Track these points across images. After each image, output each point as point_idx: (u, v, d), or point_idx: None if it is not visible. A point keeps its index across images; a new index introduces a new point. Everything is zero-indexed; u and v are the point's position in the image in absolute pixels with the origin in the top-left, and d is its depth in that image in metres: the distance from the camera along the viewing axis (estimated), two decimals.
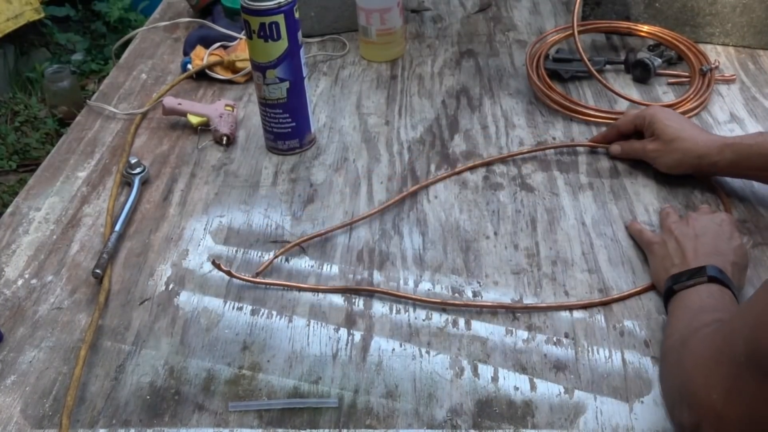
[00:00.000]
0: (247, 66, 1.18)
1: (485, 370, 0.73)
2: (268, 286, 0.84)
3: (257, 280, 0.84)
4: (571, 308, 0.79)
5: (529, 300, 0.80)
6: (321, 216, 0.94)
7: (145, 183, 1.01)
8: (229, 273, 0.84)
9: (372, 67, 1.25)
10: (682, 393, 0.58)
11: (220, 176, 1.02)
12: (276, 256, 0.87)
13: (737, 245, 0.79)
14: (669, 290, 0.74)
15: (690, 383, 0.57)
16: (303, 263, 0.87)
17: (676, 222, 0.84)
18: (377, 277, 0.85)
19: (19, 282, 0.87)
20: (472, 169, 1.00)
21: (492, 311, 0.80)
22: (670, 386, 0.64)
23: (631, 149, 0.98)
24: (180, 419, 0.71)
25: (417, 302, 0.81)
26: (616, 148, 1.00)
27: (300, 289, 0.83)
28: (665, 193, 0.94)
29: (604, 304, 0.80)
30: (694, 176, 0.95)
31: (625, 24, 1.26)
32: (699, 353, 0.58)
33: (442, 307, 0.80)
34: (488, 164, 1.01)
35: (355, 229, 0.92)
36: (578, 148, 1.03)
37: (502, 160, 1.01)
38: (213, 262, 0.84)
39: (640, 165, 0.98)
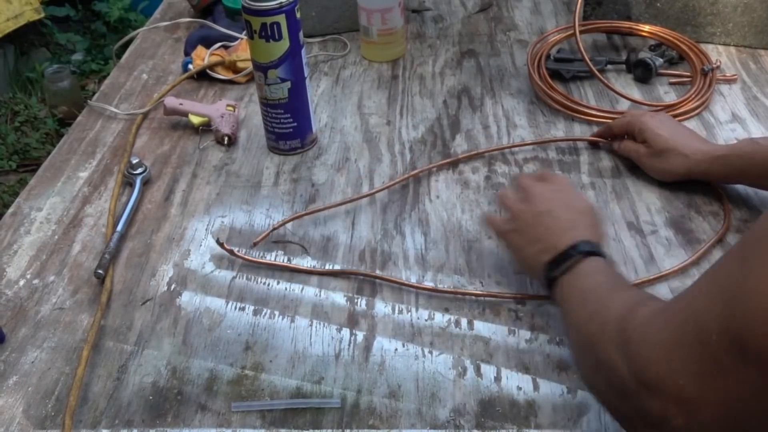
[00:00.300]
0: (249, 66, 1.18)
1: (488, 370, 0.73)
2: (269, 284, 0.84)
3: (259, 260, 0.86)
4: None
5: (532, 301, 0.80)
6: (323, 216, 0.94)
7: (146, 183, 1.01)
8: (231, 252, 0.86)
9: (373, 67, 1.25)
10: (641, 380, 0.51)
11: (221, 176, 1.02)
12: (274, 228, 0.90)
13: (585, 206, 0.78)
14: (549, 279, 0.71)
15: (650, 369, 0.50)
16: (305, 263, 0.87)
17: (519, 202, 0.79)
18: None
19: (21, 282, 0.87)
20: (467, 159, 1.00)
21: (495, 311, 0.79)
22: (611, 377, 0.54)
23: (625, 148, 0.98)
24: (182, 419, 0.71)
25: (419, 290, 0.82)
26: (615, 143, 1.00)
27: (298, 271, 0.85)
28: (667, 193, 0.94)
29: None
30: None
31: (626, 24, 1.26)
32: (654, 337, 0.51)
33: (445, 307, 0.80)
34: (469, 157, 1.01)
35: (356, 229, 0.92)
36: (580, 149, 1.03)
37: (492, 153, 1.01)
38: (217, 241, 0.86)
39: None
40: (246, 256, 0.86)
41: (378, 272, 0.85)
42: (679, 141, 0.92)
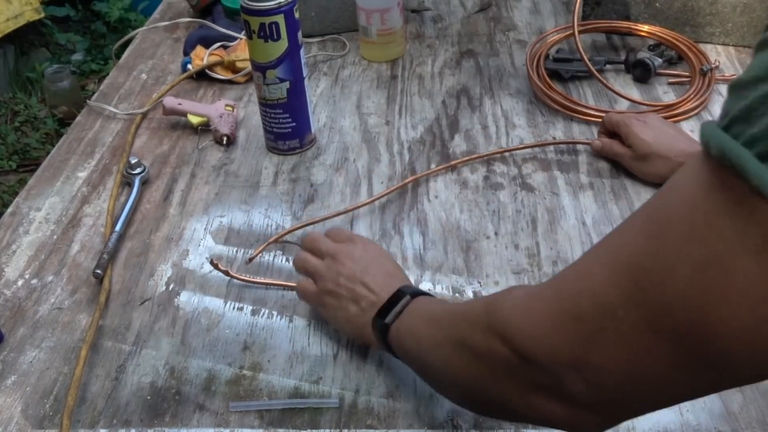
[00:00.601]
0: (248, 66, 1.18)
1: None
2: (268, 287, 0.84)
3: (256, 280, 0.85)
4: None
5: None
6: (321, 216, 0.94)
7: (145, 183, 1.01)
8: (227, 273, 0.84)
9: (372, 67, 1.25)
10: (528, 355, 0.49)
11: (220, 176, 1.02)
12: (268, 243, 0.88)
13: (393, 264, 0.76)
14: (383, 328, 0.67)
15: (541, 343, 0.48)
16: None
17: (324, 265, 0.76)
18: None
19: (20, 282, 0.87)
20: (465, 163, 1.00)
21: None
22: (494, 362, 0.52)
23: (611, 150, 0.99)
24: (181, 419, 0.71)
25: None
26: (597, 143, 1.00)
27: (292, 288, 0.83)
28: None
29: None
30: None
31: (625, 24, 1.26)
32: (542, 311, 0.49)
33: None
34: (460, 164, 1.01)
35: (355, 229, 0.92)
36: (579, 149, 1.03)
37: (482, 159, 1.01)
38: (211, 262, 0.84)
39: None
40: (241, 276, 0.84)
41: None
42: (663, 144, 0.93)
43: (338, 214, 0.93)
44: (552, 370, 0.48)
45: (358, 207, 0.94)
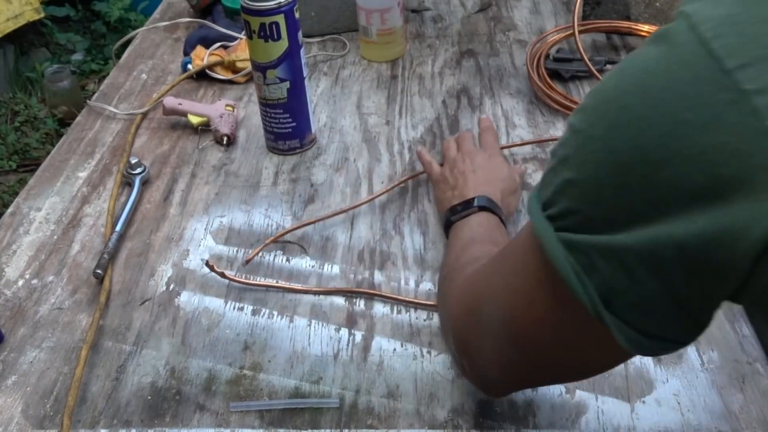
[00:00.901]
0: (248, 66, 1.18)
1: None
2: (268, 289, 0.84)
3: (252, 282, 0.84)
4: None
5: None
6: (320, 215, 0.94)
7: (145, 183, 1.01)
8: (222, 275, 0.84)
9: (372, 67, 1.25)
10: (451, 326, 0.62)
11: (220, 176, 1.02)
12: (265, 245, 0.88)
13: (506, 173, 0.88)
14: (448, 222, 0.82)
15: (455, 322, 0.61)
16: (304, 263, 0.87)
17: (456, 157, 0.90)
18: (378, 277, 0.85)
19: (20, 282, 0.87)
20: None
21: None
22: (441, 316, 0.68)
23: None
24: (181, 419, 0.71)
25: (418, 306, 0.81)
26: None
27: (294, 291, 0.83)
28: None
29: None
30: None
31: (625, 24, 1.26)
32: (456, 299, 0.61)
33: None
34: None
35: (355, 229, 0.92)
36: None
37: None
38: (207, 264, 0.84)
39: None
40: (236, 279, 0.84)
41: (378, 276, 0.85)
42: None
43: (337, 214, 0.93)
44: (458, 347, 0.61)
45: (358, 206, 0.94)
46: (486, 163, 0.89)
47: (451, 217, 0.81)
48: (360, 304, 0.81)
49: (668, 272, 0.40)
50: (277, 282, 0.85)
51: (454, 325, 0.61)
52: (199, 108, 1.11)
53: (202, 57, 1.23)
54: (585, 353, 0.50)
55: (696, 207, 0.37)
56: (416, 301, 0.81)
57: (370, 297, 0.82)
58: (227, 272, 0.85)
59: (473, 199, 0.81)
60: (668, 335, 0.44)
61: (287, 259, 0.88)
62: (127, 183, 1.00)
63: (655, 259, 0.40)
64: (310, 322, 0.80)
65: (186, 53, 1.26)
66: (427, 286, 0.83)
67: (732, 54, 0.36)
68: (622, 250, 0.41)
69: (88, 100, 1.21)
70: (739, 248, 0.37)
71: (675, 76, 0.38)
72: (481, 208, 0.80)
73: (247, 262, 0.87)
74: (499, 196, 0.83)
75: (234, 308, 0.82)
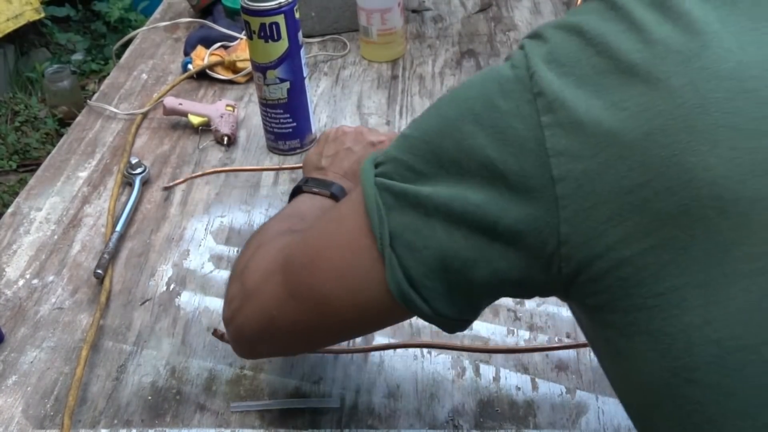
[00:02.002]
0: (248, 66, 1.18)
1: (487, 370, 0.73)
2: None
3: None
4: None
5: (531, 301, 0.80)
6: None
7: (146, 183, 1.01)
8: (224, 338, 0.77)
9: (373, 67, 1.25)
10: (238, 276, 0.64)
11: (220, 176, 1.02)
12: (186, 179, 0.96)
13: (356, 149, 0.83)
14: (297, 188, 0.78)
15: (245, 273, 0.63)
16: None
17: (346, 130, 0.85)
18: None
19: (20, 282, 0.87)
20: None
21: (493, 311, 0.80)
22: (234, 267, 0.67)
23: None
24: (182, 419, 0.71)
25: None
26: None
27: None
28: None
29: None
30: None
31: None
32: (258, 263, 0.62)
33: None
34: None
35: None
36: None
37: None
38: (214, 333, 0.77)
39: None
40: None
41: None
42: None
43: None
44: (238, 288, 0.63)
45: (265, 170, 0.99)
46: (363, 150, 0.83)
47: (303, 185, 0.78)
48: None
49: (455, 229, 0.47)
50: None
51: (243, 269, 0.63)
52: (199, 108, 1.11)
53: (202, 57, 1.23)
54: (361, 295, 0.53)
55: (482, 178, 0.46)
56: (431, 343, 0.79)
57: None
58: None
59: (332, 184, 0.77)
60: (430, 292, 0.49)
61: None
62: (127, 183, 1.00)
63: (448, 212, 0.47)
64: None
65: (186, 53, 1.26)
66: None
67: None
68: (425, 198, 0.48)
69: (88, 100, 1.21)
70: (499, 226, 0.46)
71: (502, 74, 0.47)
72: (332, 197, 0.76)
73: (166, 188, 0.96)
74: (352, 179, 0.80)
75: None
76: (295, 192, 0.78)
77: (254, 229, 0.92)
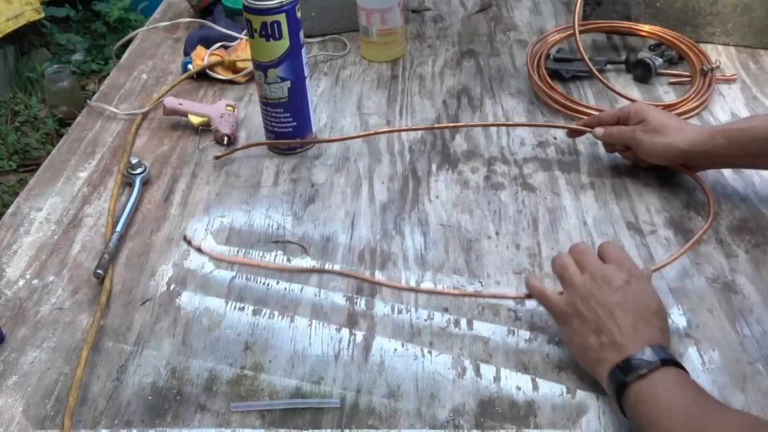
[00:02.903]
0: (248, 66, 1.18)
1: (487, 370, 0.73)
2: (268, 284, 0.84)
3: (223, 257, 0.88)
4: None
5: (531, 301, 0.80)
6: (322, 216, 0.94)
7: (146, 183, 1.01)
8: (198, 249, 0.88)
9: (373, 67, 1.25)
10: None
11: (221, 176, 1.02)
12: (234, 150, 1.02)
13: (657, 306, 0.70)
14: (619, 385, 0.64)
15: None
16: (304, 263, 0.87)
17: (582, 281, 0.71)
18: (379, 277, 0.85)
19: (21, 282, 0.87)
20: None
21: (494, 311, 0.79)
22: None
23: (618, 131, 0.94)
24: (182, 419, 0.71)
25: (418, 292, 0.82)
26: (599, 130, 0.96)
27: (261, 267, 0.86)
28: (667, 194, 0.94)
29: None
30: (686, 172, 0.94)
31: (625, 24, 1.26)
32: None
33: (444, 306, 0.80)
34: None
35: (356, 229, 0.92)
36: (580, 149, 1.03)
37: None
38: (185, 239, 0.89)
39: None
40: (213, 254, 0.88)
41: (378, 276, 0.85)
42: (676, 121, 0.91)
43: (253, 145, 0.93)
44: None
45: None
46: (629, 291, 0.69)
47: (623, 377, 0.63)
48: (361, 304, 0.81)
49: None
50: (284, 263, 0.85)
51: None
52: (199, 108, 1.11)
53: (202, 57, 1.23)
54: None
55: None
56: (416, 288, 0.82)
57: (371, 295, 0.82)
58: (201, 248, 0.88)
59: (647, 349, 0.64)
60: None
61: (288, 259, 0.88)
62: (127, 183, 1.00)
63: None
64: (311, 322, 0.80)
65: (186, 53, 1.26)
66: (428, 286, 0.83)
67: None
68: None
69: (88, 100, 1.21)
70: None
71: None
72: (665, 362, 0.63)
73: (218, 158, 1.01)
74: (661, 338, 0.66)
75: (235, 308, 0.82)
76: (619, 392, 0.64)
77: (254, 229, 0.92)
